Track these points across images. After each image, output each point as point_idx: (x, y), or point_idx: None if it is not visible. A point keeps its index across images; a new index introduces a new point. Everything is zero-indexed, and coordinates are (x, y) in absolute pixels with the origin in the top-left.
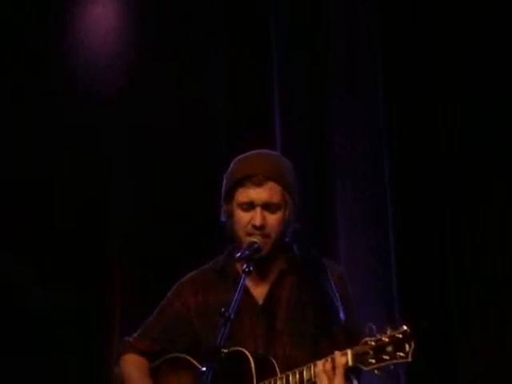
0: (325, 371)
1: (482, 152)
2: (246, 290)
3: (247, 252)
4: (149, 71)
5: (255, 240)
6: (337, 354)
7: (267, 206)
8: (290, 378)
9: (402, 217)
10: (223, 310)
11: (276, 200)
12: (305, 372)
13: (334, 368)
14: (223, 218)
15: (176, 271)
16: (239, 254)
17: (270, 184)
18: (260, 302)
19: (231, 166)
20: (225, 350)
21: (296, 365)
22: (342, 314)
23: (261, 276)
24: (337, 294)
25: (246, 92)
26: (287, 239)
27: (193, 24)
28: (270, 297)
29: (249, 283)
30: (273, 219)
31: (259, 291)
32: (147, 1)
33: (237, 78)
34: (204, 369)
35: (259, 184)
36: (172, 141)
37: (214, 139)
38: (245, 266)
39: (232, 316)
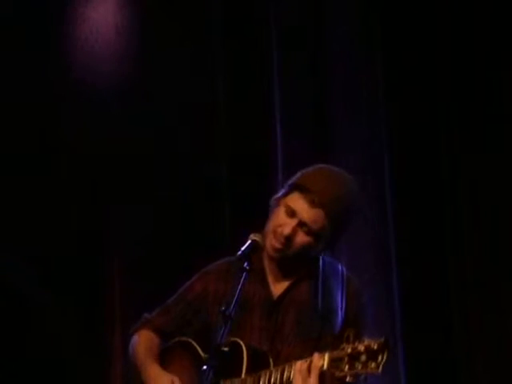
0: (300, 371)
1: (481, 152)
2: (266, 284)
3: (246, 250)
4: (148, 72)
5: (255, 238)
6: (315, 356)
7: (304, 225)
8: (272, 375)
9: (403, 216)
10: (224, 308)
11: (315, 227)
12: (286, 370)
13: (309, 369)
14: (271, 203)
15: (177, 271)
16: (239, 253)
17: (320, 212)
18: (275, 298)
19: (312, 168)
20: (225, 349)
21: None
22: (339, 323)
23: (282, 274)
24: (344, 309)
25: (246, 91)
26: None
27: (193, 24)
28: (284, 297)
29: (269, 278)
30: (301, 239)
31: (277, 288)
32: (147, 2)
33: (237, 78)
34: (204, 367)
35: (312, 204)
36: (172, 142)
37: (214, 140)
38: (245, 264)
39: (232, 314)
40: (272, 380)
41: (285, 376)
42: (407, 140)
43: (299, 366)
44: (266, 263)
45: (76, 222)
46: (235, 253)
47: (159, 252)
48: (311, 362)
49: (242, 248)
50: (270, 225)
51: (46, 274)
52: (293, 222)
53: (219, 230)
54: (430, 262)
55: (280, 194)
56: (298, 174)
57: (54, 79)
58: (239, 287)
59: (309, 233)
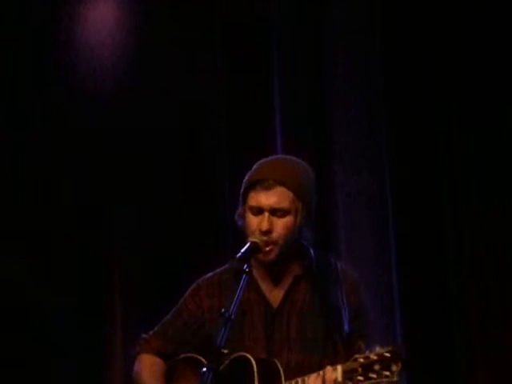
0: None
1: (481, 151)
2: (261, 293)
3: (246, 252)
4: (148, 72)
5: (255, 240)
6: (328, 369)
7: (275, 211)
8: None
9: (403, 216)
10: (224, 310)
11: (285, 205)
12: None
13: (323, 383)
14: (238, 221)
15: (176, 272)
16: (239, 255)
17: (280, 189)
18: (275, 306)
19: (251, 169)
20: (225, 351)
21: (306, 373)
22: (346, 327)
23: (276, 280)
24: (346, 304)
25: (246, 92)
26: (304, 242)
27: (192, 25)
28: (284, 302)
29: (263, 286)
30: (280, 224)
31: (274, 295)
32: (147, 2)
33: (237, 79)
34: (204, 369)
35: (269, 188)
36: (172, 142)
37: (214, 140)
38: (245, 266)
39: (233, 316)
40: None
41: None
42: (407, 139)
43: (313, 380)
44: (256, 272)
45: (77, 222)
46: (234, 256)
47: (159, 252)
48: (324, 375)
49: (242, 250)
50: (248, 234)
51: (46, 275)
52: (265, 216)
53: (220, 231)
54: (430, 261)
55: (239, 208)
56: (243, 182)
57: (54, 79)
58: (239, 289)
59: (284, 214)
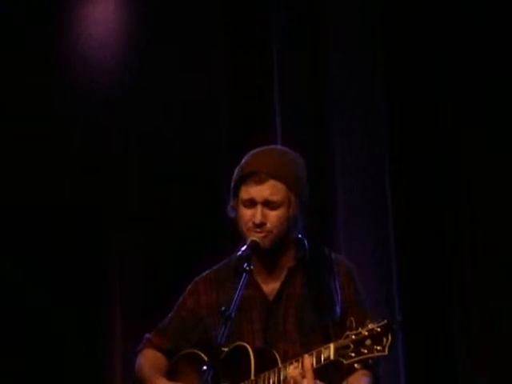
0: (292, 376)
1: (482, 151)
2: (257, 286)
3: (246, 251)
4: (148, 71)
5: (254, 238)
6: (320, 348)
7: (268, 204)
8: (271, 376)
9: (403, 214)
10: (224, 308)
11: (277, 198)
12: (282, 371)
13: (302, 372)
14: (230, 214)
15: (176, 273)
16: (239, 253)
17: (272, 182)
18: (271, 298)
19: (241, 161)
20: (225, 349)
21: None
22: (338, 309)
23: (271, 272)
24: (339, 292)
25: (246, 91)
26: (299, 235)
27: (193, 23)
28: (280, 294)
29: (259, 279)
30: (274, 216)
31: (270, 288)
32: (147, 0)
33: (237, 78)
34: (205, 368)
35: (260, 182)
36: (172, 142)
37: (215, 139)
38: (245, 264)
39: (233, 315)
40: (271, 381)
41: (281, 376)
42: (407, 140)
43: (307, 359)
44: (253, 266)
45: (77, 221)
46: (233, 253)
47: (159, 252)
48: (317, 354)
49: (242, 248)
50: (242, 227)
51: (46, 275)
52: (258, 208)
53: (220, 230)
54: (430, 261)
55: (230, 201)
56: (234, 175)
57: (54, 78)
58: (239, 288)
59: (276, 206)
